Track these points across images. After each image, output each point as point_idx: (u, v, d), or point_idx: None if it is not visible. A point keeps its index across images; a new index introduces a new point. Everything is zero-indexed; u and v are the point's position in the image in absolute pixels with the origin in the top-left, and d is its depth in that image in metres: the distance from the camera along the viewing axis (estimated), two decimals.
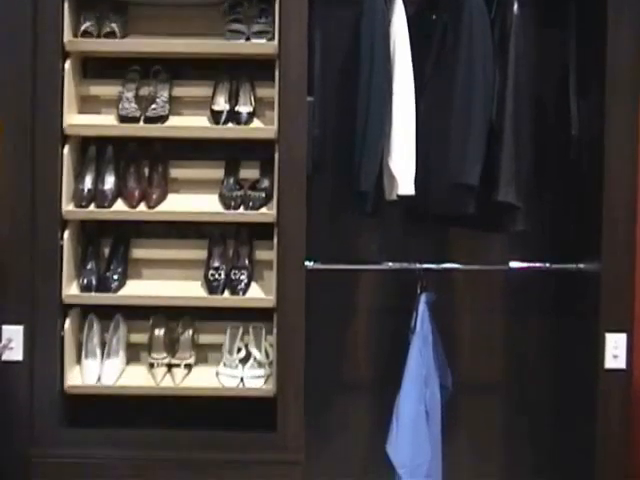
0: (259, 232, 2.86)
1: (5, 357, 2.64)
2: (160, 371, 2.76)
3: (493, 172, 2.68)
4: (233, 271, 2.81)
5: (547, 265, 2.91)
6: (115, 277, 2.81)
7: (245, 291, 2.78)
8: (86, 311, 2.86)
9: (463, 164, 2.68)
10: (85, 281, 2.77)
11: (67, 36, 2.70)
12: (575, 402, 2.92)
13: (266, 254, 2.83)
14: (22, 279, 2.67)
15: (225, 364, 2.80)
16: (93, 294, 2.76)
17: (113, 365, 2.78)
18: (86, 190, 2.79)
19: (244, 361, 2.80)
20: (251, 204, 2.77)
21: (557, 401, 3.06)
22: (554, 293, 3.06)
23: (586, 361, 2.78)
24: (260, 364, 2.79)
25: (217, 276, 2.79)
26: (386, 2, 2.77)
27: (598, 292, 2.69)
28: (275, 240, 2.70)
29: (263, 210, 2.77)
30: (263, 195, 2.80)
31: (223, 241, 2.91)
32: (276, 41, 2.67)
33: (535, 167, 2.82)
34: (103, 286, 2.78)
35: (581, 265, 2.84)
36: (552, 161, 2.99)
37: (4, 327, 2.66)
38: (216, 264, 2.84)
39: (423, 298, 2.85)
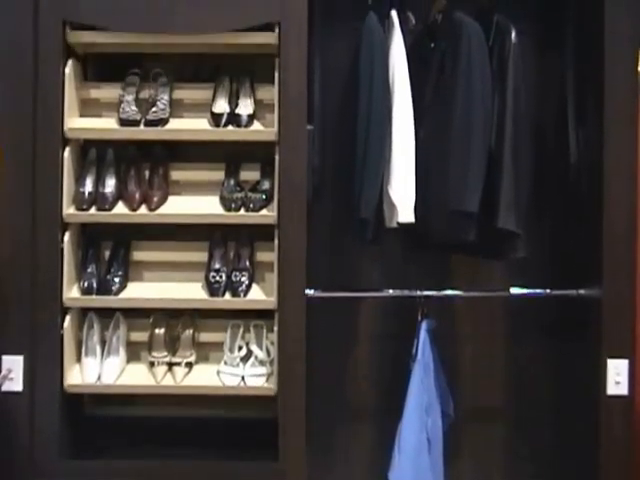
0: (260, 234, 2.86)
1: (5, 388, 2.62)
2: (161, 370, 2.77)
3: (493, 199, 2.69)
4: (234, 273, 2.82)
5: (548, 291, 2.91)
6: (116, 279, 2.82)
7: (246, 293, 2.79)
8: (86, 309, 2.87)
9: (463, 191, 2.69)
10: (86, 284, 2.79)
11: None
12: (577, 428, 2.90)
13: (267, 255, 2.84)
14: (22, 308, 2.66)
15: (226, 362, 2.80)
16: (94, 297, 2.77)
17: (113, 364, 2.79)
18: (87, 193, 2.80)
19: (245, 359, 2.81)
20: (252, 205, 2.79)
21: (559, 427, 3.04)
22: (555, 319, 3.05)
23: (588, 387, 2.77)
24: (261, 362, 2.80)
25: (218, 278, 2.80)
26: (385, 31, 2.80)
27: (599, 318, 2.68)
28: (276, 242, 2.71)
29: (264, 212, 2.79)
30: (264, 197, 2.81)
31: (224, 243, 2.92)
32: (276, 32, 2.69)
33: (535, 194, 2.84)
34: (104, 289, 2.79)
35: (582, 291, 2.83)
36: (551, 187, 3.01)
37: (4, 357, 2.64)
38: (217, 266, 2.85)
39: (424, 325, 2.86)
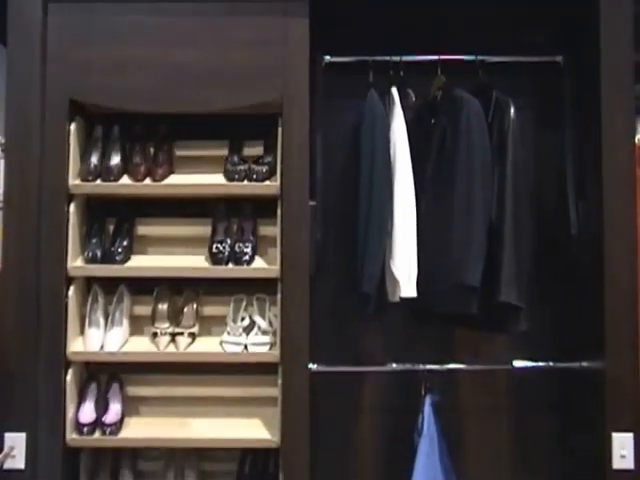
0: (263, 209, 2.87)
1: (7, 465, 2.56)
2: (164, 340, 2.76)
3: (494, 273, 2.69)
4: (237, 244, 2.82)
5: (551, 364, 2.91)
6: (120, 250, 2.82)
7: (249, 262, 2.79)
8: (90, 282, 2.88)
9: (464, 266, 2.69)
10: (90, 254, 2.78)
11: None
12: None
13: (270, 230, 2.84)
14: (26, 385, 2.61)
15: (229, 332, 2.79)
16: (98, 266, 2.77)
17: (116, 334, 2.78)
18: (92, 166, 2.81)
19: (248, 330, 2.81)
20: (255, 177, 2.80)
21: None
22: (559, 391, 3.04)
23: (593, 461, 2.72)
24: (264, 332, 2.79)
25: (221, 248, 2.80)
26: (386, 107, 2.84)
27: (603, 390, 2.65)
28: (279, 212, 2.70)
29: (267, 183, 2.80)
30: (267, 168, 2.82)
31: (227, 217, 2.93)
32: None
33: (536, 266, 2.86)
34: (108, 258, 2.79)
35: (585, 363, 2.82)
36: (553, 260, 3.01)
37: (6, 435, 2.59)
38: (220, 238, 2.85)
39: (428, 399, 2.85)
